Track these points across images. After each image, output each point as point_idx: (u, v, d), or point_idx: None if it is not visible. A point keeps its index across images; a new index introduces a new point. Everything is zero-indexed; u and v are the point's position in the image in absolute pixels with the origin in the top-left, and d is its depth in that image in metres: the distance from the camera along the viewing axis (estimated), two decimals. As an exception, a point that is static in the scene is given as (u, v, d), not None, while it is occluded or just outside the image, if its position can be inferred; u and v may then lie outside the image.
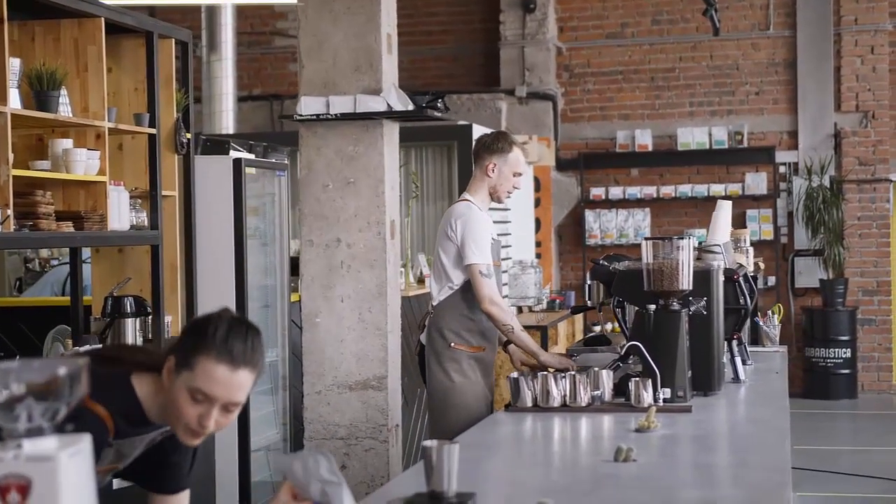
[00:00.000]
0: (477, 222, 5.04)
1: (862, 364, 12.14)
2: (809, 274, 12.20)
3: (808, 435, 9.98)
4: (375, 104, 5.37)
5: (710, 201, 11.29)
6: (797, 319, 12.29)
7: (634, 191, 12.50)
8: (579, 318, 10.61)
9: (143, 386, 2.66)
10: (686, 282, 4.29)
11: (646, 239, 4.36)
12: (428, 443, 2.66)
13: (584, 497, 2.94)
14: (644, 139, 12.51)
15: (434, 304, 5.16)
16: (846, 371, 11.91)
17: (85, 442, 1.80)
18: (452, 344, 5.06)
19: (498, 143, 5.18)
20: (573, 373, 4.23)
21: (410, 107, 5.41)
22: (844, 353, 11.88)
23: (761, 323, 6.22)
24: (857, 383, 12.05)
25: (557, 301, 10.39)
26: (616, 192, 12.52)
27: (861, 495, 7.93)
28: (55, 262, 8.13)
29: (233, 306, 6.14)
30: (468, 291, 5.07)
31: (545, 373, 4.21)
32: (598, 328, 9.94)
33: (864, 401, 11.92)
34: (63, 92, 4.95)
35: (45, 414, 1.78)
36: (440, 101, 5.62)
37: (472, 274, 4.99)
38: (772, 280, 12.19)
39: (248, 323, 2.65)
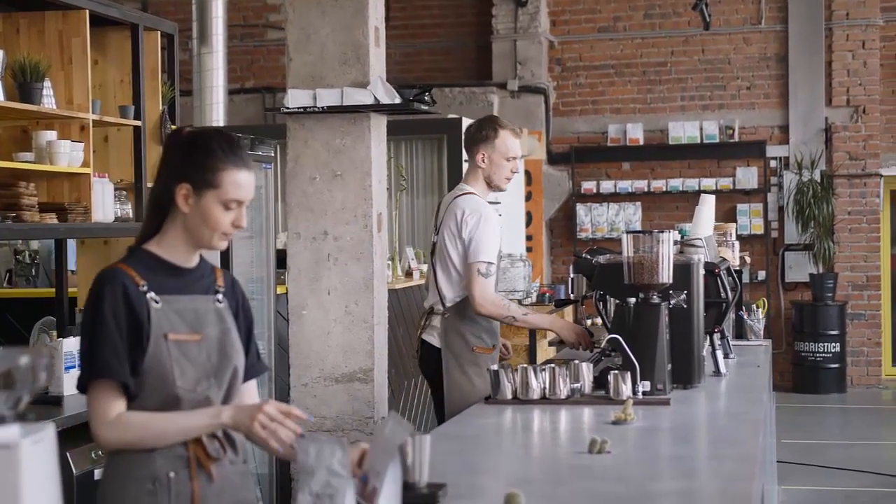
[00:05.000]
0: (489, 219, 4.95)
1: (851, 358, 12.17)
2: (799, 268, 12.22)
3: (797, 429, 10.01)
4: (362, 97, 5.36)
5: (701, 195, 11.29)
6: (787, 314, 12.32)
7: (626, 185, 12.51)
8: (571, 311, 10.62)
9: (155, 245, 2.82)
10: (666, 275, 4.30)
11: (627, 232, 4.38)
12: (399, 434, 2.67)
13: (555, 487, 2.96)
14: (635, 133, 12.52)
15: (447, 304, 5.03)
16: (835, 365, 11.93)
17: (48, 430, 1.82)
18: (475, 348, 4.99)
19: (482, 131, 5.07)
20: (553, 365, 4.23)
21: (397, 100, 5.40)
22: (834, 347, 11.90)
23: (745, 317, 6.23)
24: (847, 378, 12.08)
25: (548, 295, 10.40)
26: (607, 185, 12.53)
27: (848, 489, 7.96)
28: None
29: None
30: None
31: (524, 365, 4.21)
32: (590, 321, 9.95)
33: (853, 395, 11.94)
34: (47, 84, 4.95)
35: (7, 402, 1.80)
36: (427, 94, 5.62)
37: (470, 272, 4.91)
38: (762, 274, 12.21)
39: (225, 131, 2.89)
